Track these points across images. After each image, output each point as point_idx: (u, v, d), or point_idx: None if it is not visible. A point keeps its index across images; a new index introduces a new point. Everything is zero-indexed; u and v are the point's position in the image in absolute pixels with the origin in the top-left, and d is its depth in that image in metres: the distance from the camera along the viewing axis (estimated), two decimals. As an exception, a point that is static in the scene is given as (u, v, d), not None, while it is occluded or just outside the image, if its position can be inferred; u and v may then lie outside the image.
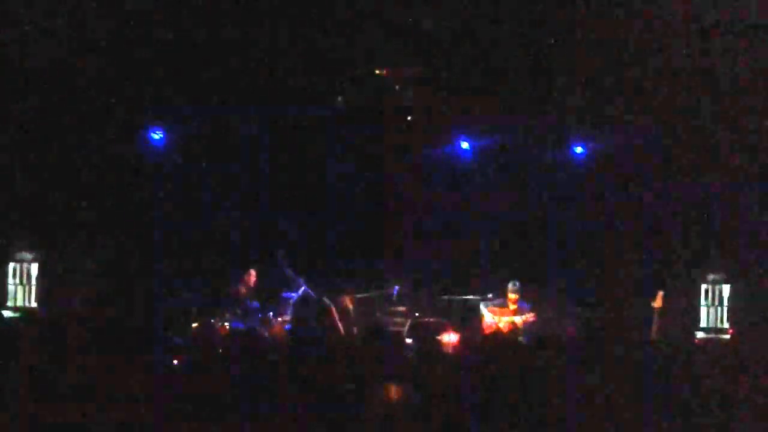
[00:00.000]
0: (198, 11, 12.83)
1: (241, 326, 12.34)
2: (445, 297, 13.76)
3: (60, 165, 13.35)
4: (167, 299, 12.83)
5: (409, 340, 11.47)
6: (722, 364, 6.73)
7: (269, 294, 13.24)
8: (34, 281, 13.24)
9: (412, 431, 5.22)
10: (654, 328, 12.34)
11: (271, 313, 12.84)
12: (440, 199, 14.86)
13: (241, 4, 12.90)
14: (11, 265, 13.24)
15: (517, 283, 13.17)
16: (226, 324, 12.37)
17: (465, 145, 14.70)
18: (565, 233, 14.66)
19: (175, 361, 6.09)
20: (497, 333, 12.31)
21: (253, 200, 14.20)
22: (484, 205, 14.80)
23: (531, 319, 12.97)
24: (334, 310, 13.12)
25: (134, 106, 13.41)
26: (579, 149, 14.70)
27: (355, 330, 12.69)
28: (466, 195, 14.87)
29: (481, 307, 13.29)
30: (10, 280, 13.20)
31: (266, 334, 12.06)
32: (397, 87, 14.21)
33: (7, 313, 12.82)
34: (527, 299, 13.25)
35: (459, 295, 13.69)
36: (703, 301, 13.85)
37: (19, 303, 13.16)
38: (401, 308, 13.80)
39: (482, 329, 13.01)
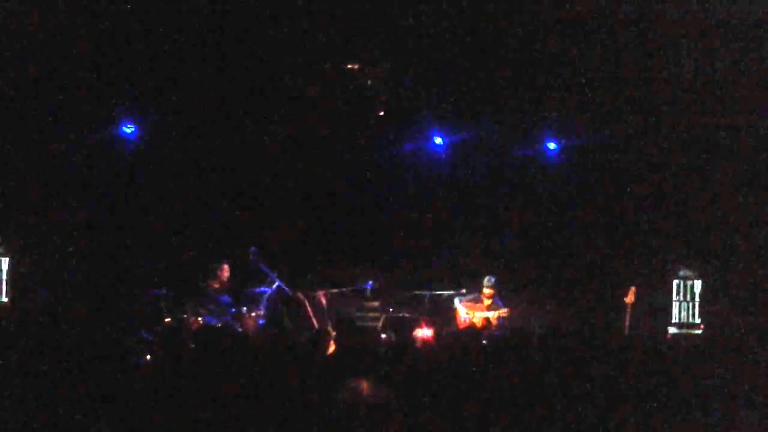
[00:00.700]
0: (169, 4, 12.76)
1: (213, 321, 12.29)
2: (419, 292, 13.76)
3: (31, 158, 13.23)
4: (138, 294, 12.75)
5: (383, 336, 11.49)
6: (694, 360, 6.77)
7: (242, 289, 13.20)
8: (4, 276, 13.12)
9: (385, 427, 5.21)
10: (626, 323, 12.41)
11: (244, 309, 12.78)
12: (414, 194, 14.88)
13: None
14: (-20, 259, 13.13)
15: (492, 279, 13.20)
16: (198, 319, 12.31)
17: (438, 140, 14.72)
18: (538, 228, 14.73)
19: (147, 357, 6.06)
20: (470, 329, 12.35)
21: (226, 195, 14.14)
22: (458, 200, 14.84)
23: (505, 315, 13.00)
24: (308, 304, 13.17)
25: (106, 99, 13.32)
26: (552, 145, 14.75)
27: (328, 325, 12.69)
28: (440, 190, 14.90)
29: (456, 302, 13.31)
30: (-20, 274, 13.08)
31: (239, 329, 12.03)
32: (369, 82, 14.18)
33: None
34: (501, 295, 13.29)
35: (433, 290, 13.69)
36: (674, 297, 13.93)
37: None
38: (375, 303, 13.80)
39: (456, 324, 13.04)
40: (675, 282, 13.94)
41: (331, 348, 7.25)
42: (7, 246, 13.17)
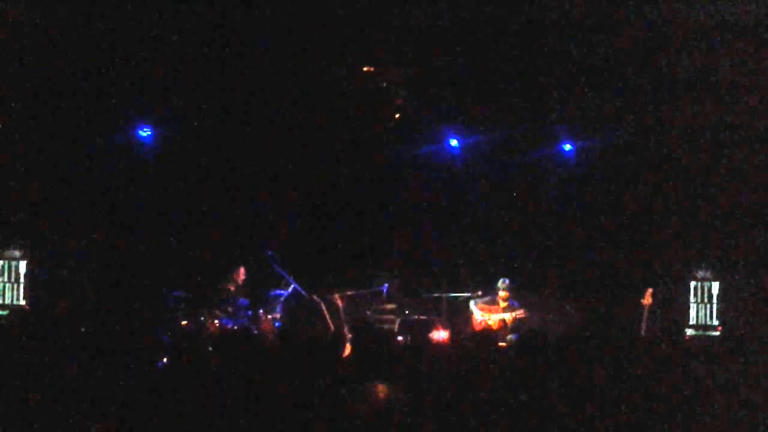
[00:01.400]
0: (185, 8, 12.78)
1: (230, 324, 12.32)
2: (435, 294, 13.75)
3: (49, 162, 13.30)
4: (156, 296, 12.79)
5: (399, 338, 11.49)
6: (711, 361, 6.74)
7: (259, 292, 13.23)
8: (22, 279, 13.19)
9: (402, 430, 5.21)
10: (643, 325, 12.36)
11: (260, 311, 12.82)
12: (430, 196, 14.87)
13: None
14: (0, 262, 13.20)
15: (507, 281, 13.18)
16: (215, 321, 12.34)
17: (454, 142, 14.71)
18: (555, 231, 14.70)
19: (164, 360, 6.07)
20: (486, 331, 12.33)
21: (243, 198, 14.16)
22: (474, 203, 14.82)
23: (521, 317, 12.98)
24: (324, 307, 13.18)
25: (123, 102, 13.36)
26: (568, 147, 14.71)
27: (344, 327, 12.70)
28: (456, 192, 14.88)
29: (471, 304, 13.30)
30: (-1, 277, 13.17)
31: (255, 331, 12.06)
32: (385, 85, 14.19)
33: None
34: (517, 296, 13.27)
35: (449, 292, 13.68)
36: (692, 298, 13.88)
37: (7, 301, 13.12)
38: (391, 306, 13.80)
39: (472, 327, 13.02)
40: (692, 283, 13.90)
41: (347, 350, 7.25)
42: (25, 250, 13.24)
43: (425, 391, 5.69)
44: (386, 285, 13.68)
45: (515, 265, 14.21)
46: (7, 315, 12.55)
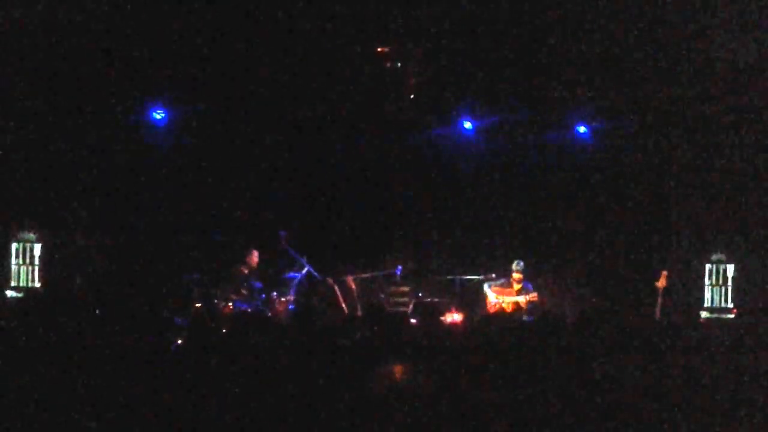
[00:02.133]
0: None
1: (244, 307, 12.35)
2: (449, 277, 13.74)
3: (63, 144, 13.31)
4: (170, 279, 12.82)
5: (412, 321, 11.49)
6: (726, 344, 6.72)
7: (272, 274, 13.24)
8: (37, 261, 13.24)
9: (416, 411, 5.21)
10: (658, 308, 12.33)
11: (274, 294, 12.84)
12: (443, 179, 14.83)
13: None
14: (14, 245, 13.25)
15: (521, 263, 13.15)
16: (229, 304, 12.37)
17: (468, 124, 14.65)
18: (569, 213, 14.64)
19: (178, 342, 6.08)
20: (500, 314, 12.33)
21: (257, 181, 14.15)
22: (488, 185, 14.78)
23: (534, 299, 12.96)
24: (337, 290, 13.20)
25: (138, 85, 13.36)
26: (582, 129, 14.64)
27: (358, 310, 12.72)
28: (470, 175, 14.83)
29: (485, 287, 13.28)
30: (14, 260, 13.21)
31: (269, 314, 12.09)
32: (398, 65, 14.13)
33: (10, 293, 12.86)
34: (531, 279, 13.25)
35: (462, 274, 13.67)
36: (707, 281, 13.84)
37: (23, 283, 13.17)
38: (404, 288, 13.80)
39: (486, 309, 13.02)
40: (707, 266, 13.85)
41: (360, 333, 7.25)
42: (40, 233, 13.28)
43: (438, 373, 5.68)
44: (400, 267, 13.68)
45: (529, 248, 14.17)
46: (23, 297, 12.60)
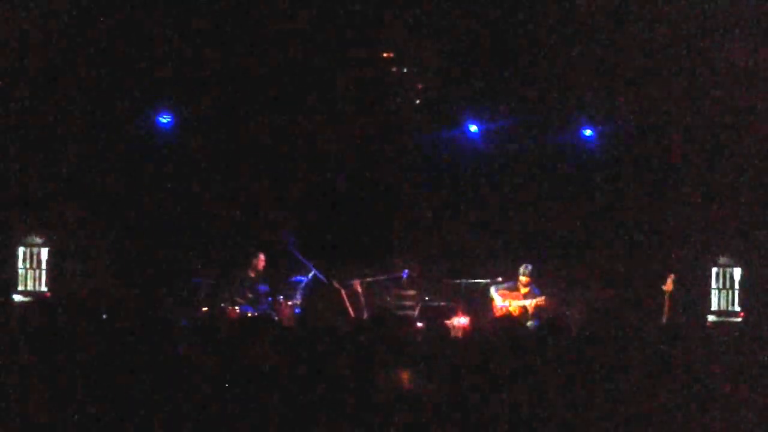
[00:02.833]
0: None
1: (250, 310, 12.36)
2: (455, 280, 13.73)
3: (69, 148, 13.34)
4: (176, 283, 12.84)
5: (419, 324, 11.48)
6: (734, 348, 6.70)
7: (279, 278, 13.25)
8: (44, 265, 13.26)
9: (422, 416, 5.21)
10: (665, 311, 12.31)
11: (281, 297, 12.85)
12: (449, 182, 14.83)
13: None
14: (21, 249, 13.27)
15: (529, 267, 13.12)
16: (235, 308, 12.39)
17: (474, 128, 14.65)
18: (576, 216, 14.63)
19: (185, 345, 6.08)
20: (507, 317, 12.30)
21: (263, 184, 14.17)
22: (494, 188, 14.77)
23: (541, 303, 12.93)
24: (344, 293, 13.20)
25: (144, 89, 13.38)
26: (588, 132, 14.63)
27: (364, 314, 12.72)
28: (476, 178, 14.83)
29: (492, 290, 13.26)
30: (20, 264, 13.24)
31: (276, 318, 12.09)
32: (404, 70, 14.15)
33: (17, 298, 12.88)
34: (538, 283, 13.22)
35: (469, 278, 13.65)
36: (714, 285, 13.82)
37: (29, 287, 13.20)
38: (411, 292, 13.80)
39: (493, 313, 12.99)
40: (714, 270, 13.83)
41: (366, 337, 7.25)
42: (48, 237, 13.31)
43: (445, 377, 5.68)
44: (406, 271, 13.67)
45: (536, 252, 14.15)
46: (29, 301, 12.62)
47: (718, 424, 5.75)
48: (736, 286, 13.76)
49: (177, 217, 13.70)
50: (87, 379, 5.31)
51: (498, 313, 12.92)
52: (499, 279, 13.41)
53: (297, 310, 12.73)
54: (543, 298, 12.99)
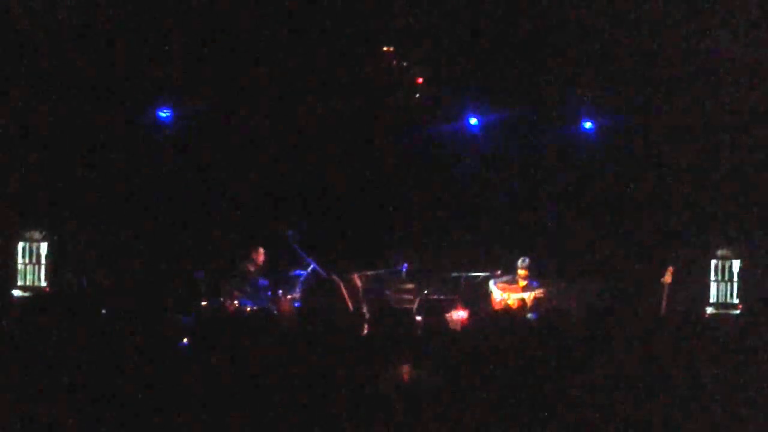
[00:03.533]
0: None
1: (250, 304, 12.37)
2: (454, 274, 13.74)
3: (68, 143, 13.33)
4: (175, 277, 12.84)
5: (418, 318, 11.50)
6: (732, 340, 6.71)
7: (278, 272, 13.26)
8: (43, 260, 13.26)
9: (422, 410, 5.22)
10: (663, 304, 12.32)
11: (280, 291, 12.86)
12: (449, 175, 14.83)
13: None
14: (21, 244, 13.27)
15: (527, 260, 13.15)
16: (235, 302, 12.39)
17: (473, 121, 14.65)
18: (575, 209, 14.64)
19: (184, 341, 6.09)
20: (506, 311, 12.32)
21: (263, 178, 14.17)
22: (493, 181, 14.79)
23: (540, 296, 12.95)
24: (343, 288, 13.20)
25: (143, 84, 13.37)
26: (588, 124, 14.63)
27: (364, 308, 12.73)
28: (475, 171, 14.84)
29: (491, 283, 13.28)
30: (20, 259, 13.23)
31: (275, 312, 12.10)
32: (404, 63, 14.14)
33: (16, 293, 12.89)
34: (537, 276, 13.24)
35: (468, 271, 13.66)
36: (712, 277, 13.83)
37: (29, 282, 13.20)
38: (410, 285, 13.80)
39: (491, 306, 13.01)
40: (713, 262, 13.83)
41: (366, 330, 7.26)
42: (46, 232, 13.30)
43: (444, 371, 5.69)
44: (405, 265, 13.68)
45: (535, 244, 14.16)
46: (29, 296, 12.63)
47: (716, 417, 5.76)
48: (735, 278, 13.77)
49: (177, 211, 13.70)
50: (87, 375, 5.32)
51: (497, 307, 12.95)
52: (498, 272, 13.42)
53: (296, 304, 12.73)
54: (542, 290, 13.01)
